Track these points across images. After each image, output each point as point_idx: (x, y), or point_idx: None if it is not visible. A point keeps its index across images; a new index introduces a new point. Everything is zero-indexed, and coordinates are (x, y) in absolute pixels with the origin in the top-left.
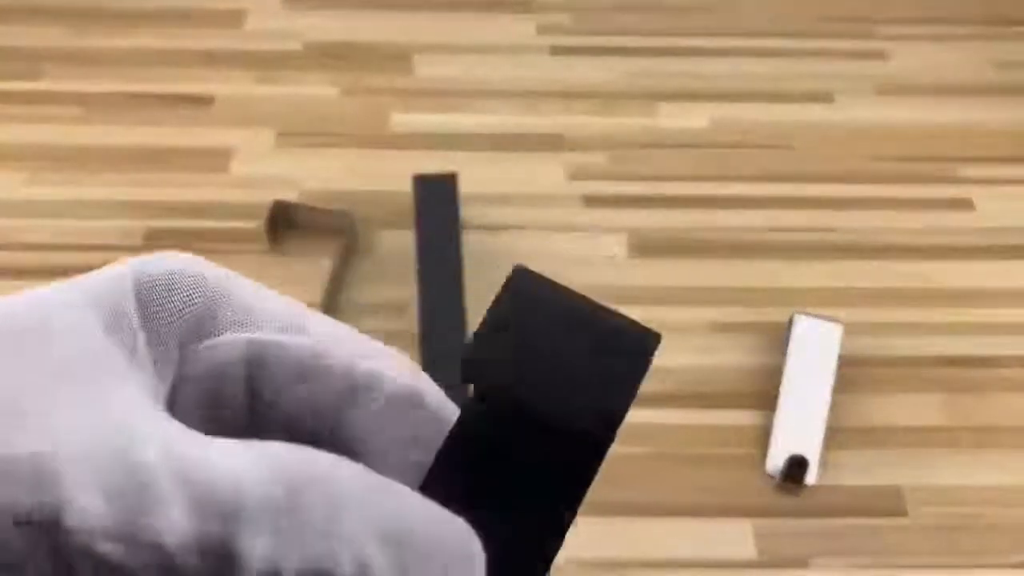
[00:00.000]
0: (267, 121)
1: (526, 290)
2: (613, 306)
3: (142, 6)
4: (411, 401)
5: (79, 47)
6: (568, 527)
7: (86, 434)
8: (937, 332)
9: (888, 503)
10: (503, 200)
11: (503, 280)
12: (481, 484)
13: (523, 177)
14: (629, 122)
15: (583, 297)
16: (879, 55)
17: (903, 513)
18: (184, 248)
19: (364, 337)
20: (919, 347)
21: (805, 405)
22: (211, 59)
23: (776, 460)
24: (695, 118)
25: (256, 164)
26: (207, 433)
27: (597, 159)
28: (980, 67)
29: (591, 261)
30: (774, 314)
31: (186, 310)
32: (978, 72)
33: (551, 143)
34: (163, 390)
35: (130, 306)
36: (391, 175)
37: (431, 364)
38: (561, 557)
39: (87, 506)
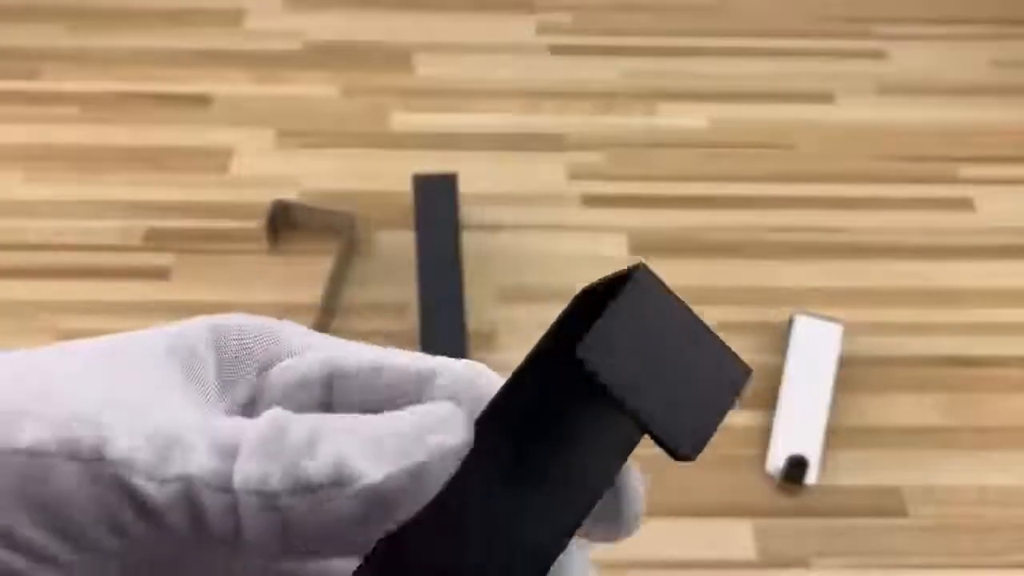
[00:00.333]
0: (267, 121)
1: (648, 291)
2: None
3: (142, 6)
4: (476, 371)
5: (78, 46)
6: (590, 511)
7: (134, 397)
8: (937, 332)
9: (888, 503)
10: (503, 200)
11: (503, 280)
12: (536, 440)
13: (523, 177)
14: (629, 122)
15: (695, 315)
16: (879, 55)
17: (903, 513)
18: (184, 248)
19: (421, 355)
20: (919, 347)
21: (805, 405)
22: (211, 59)
23: (776, 460)
24: (695, 118)
25: (256, 164)
26: None
27: (597, 159)
28: (980, 67)
29: (591, 261)
30: (774, 314)
31: (256, 346)
32: (978, 72)
33: (551, 143)
34: (222, 408)
35: (202, 344)
36: (391, 175)
37: None
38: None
39: (128, 446)
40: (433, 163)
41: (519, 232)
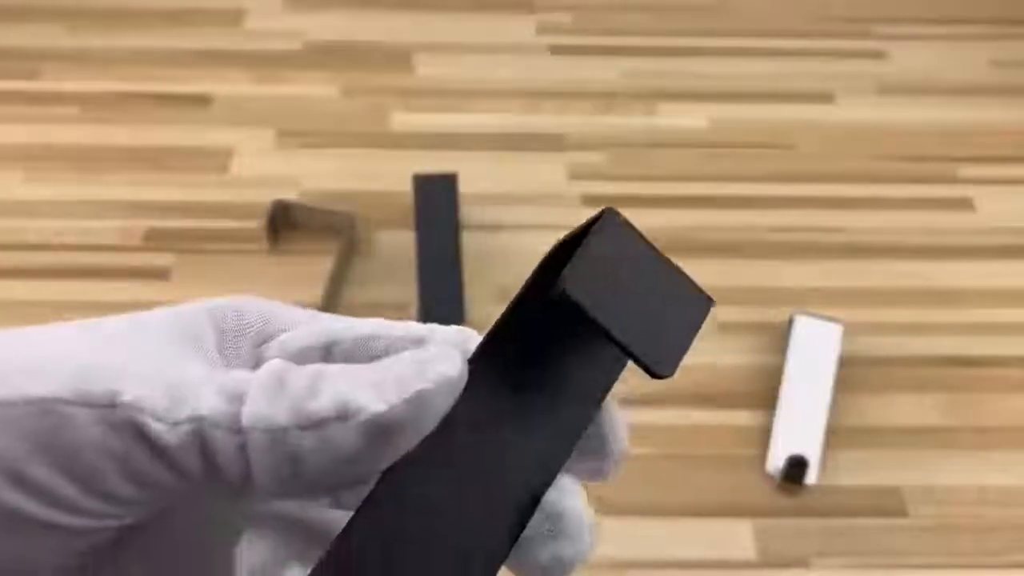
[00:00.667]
0: (267, 121)
1: (617, 231)
2: None
3: (142, 6)
4: (465, 335)
5: (77, 46)
6: (575, 444)
7: (149, 362)
8: (937, 332)
9: (888, 503)
10: (503, 200)
11: (503, 280)
12: (523, 378)
13: (523, 177)
14: (629, 122)
15: (660, 253)
16: (879, 55)
17: (903, 513)
18: (184, 248)
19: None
20: (919, 347)
21: (805, 405)
22: (211, 59)
23: (776, 460)
24: (695, 118)
25: (256, 164)
26: None
27: (597, 159)
28: (980, 67)
29: None
30: (774, 314)
31: (255, 322)
32: (978, 72)
33: (551, 143)
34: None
35: (206, 326)
36: (391, 175)
37: None
38: None
39: (141, 392)
40: (433, 163)
41: (519, 232)
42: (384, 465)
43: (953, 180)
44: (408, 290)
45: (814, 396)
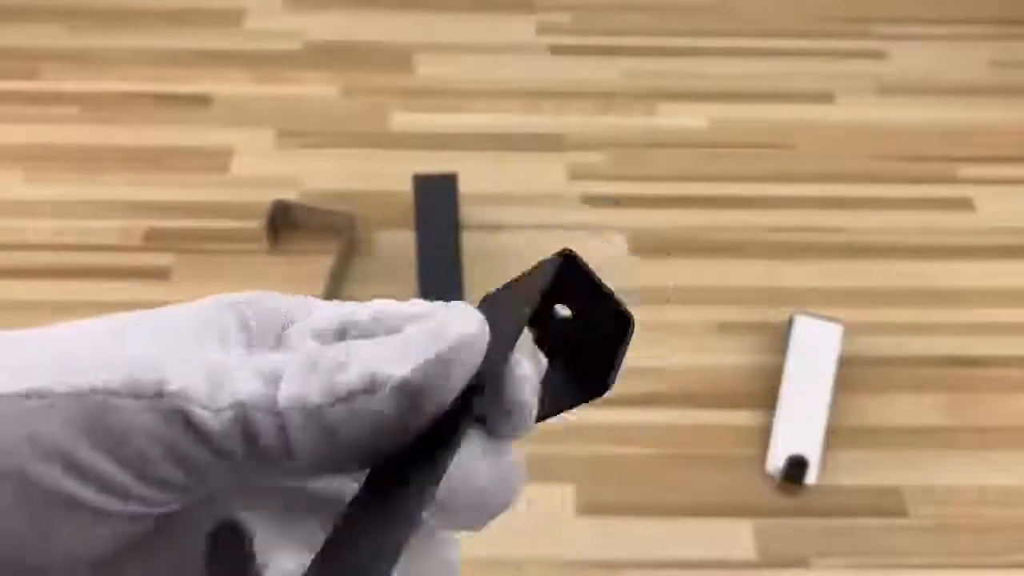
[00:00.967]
0: (267, 121)
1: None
2: None
3: (142, 6)
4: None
5: (78, 47)
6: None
7: (188, 352)
8: (937, 332)
9: (888, 503)
10: (503, 200)
11: (503, 280)
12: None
13: (523, 177)
14: (629, 122)
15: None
16: (879, 55)
17: (903, 513)
18: (184, 248)
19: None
20: (919, 347)
21: (805, 405)
22: (211, 59)
23: (776, 460)
24: (695, 118)
25: (256, 164)
26: None
27: (597, 159)
28: (980, 67)
29: (591, 261)
30: (774, 314)
31: (275, 315)
32: (978, 72)
33: (551, 143)
34: None
35: (229, 318)
36: (391, 175)
37: None
38: (561, 556)
39: (186, 382)
40: (433, 163)
41: (519, 232)
42: (415, 431)
43: (953, 180)
44: (408, 290)
45: (814, 396)
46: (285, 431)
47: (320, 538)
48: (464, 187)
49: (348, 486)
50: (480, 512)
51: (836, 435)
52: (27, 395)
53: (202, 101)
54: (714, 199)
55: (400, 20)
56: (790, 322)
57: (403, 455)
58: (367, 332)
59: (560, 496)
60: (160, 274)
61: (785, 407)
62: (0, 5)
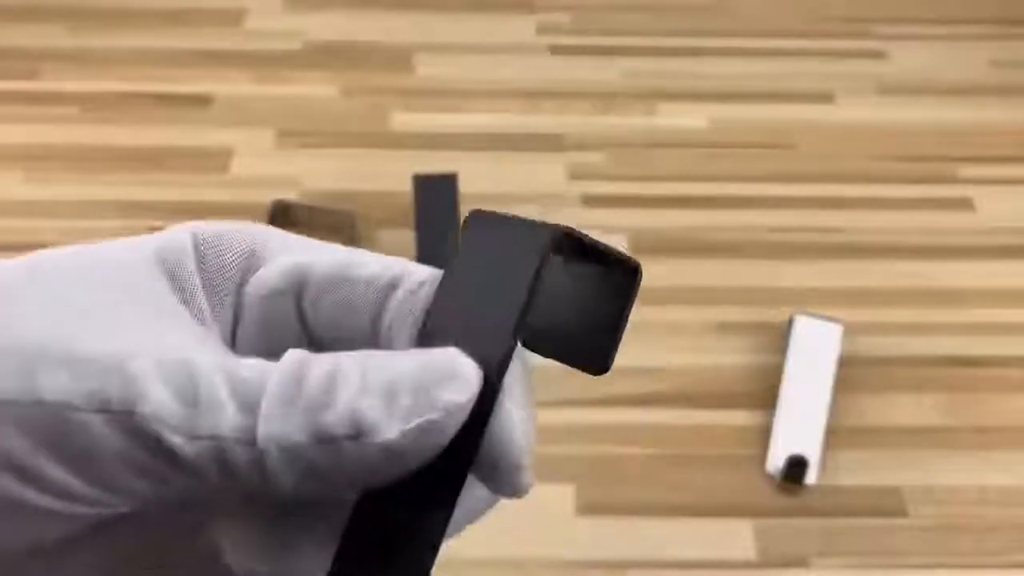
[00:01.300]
0: (267, 121)
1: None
2: None
3: (142, 6)
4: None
5: (78, 47)
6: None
7: (151, 342)
8: (937, 332)
9: (888, 503)
10: (503, 200)
11: None
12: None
13: (523, 177)
14: (629, 122)
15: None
16: (879, 55)
17: (903, 513)
18: None
19: (397, 259)
20: (919, 347)
21: (805, 405)
22: (211, 59)
23: (776, 460)
24: (695, 118)
25: (256, 164)
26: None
27: (597, 159)
28: (980, 67)
29: None
30: (774, 314)
31: (238, 260)
32: (978, 72)
33: (551, 143)
34: (217, 330)
35: (190, 261)
36: (391, 175)
37: None
38: (561, 556)
39: (159, 401)
40: (433, 163)
41: None
42: (394, 479)
43: (953, 180)
44: None
45: (814, 396)
46: (263, 464)
47: (326, 534)
48: (464, 187)
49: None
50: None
51: (836, 435)
52: None
53: (202, 101)
54: (714, 199)
55: (400, 20)
56: (790, 322)
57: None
58: (322, 291)
59: (560, 496)
60: None
61: (785, 407)
62: (0, 5)
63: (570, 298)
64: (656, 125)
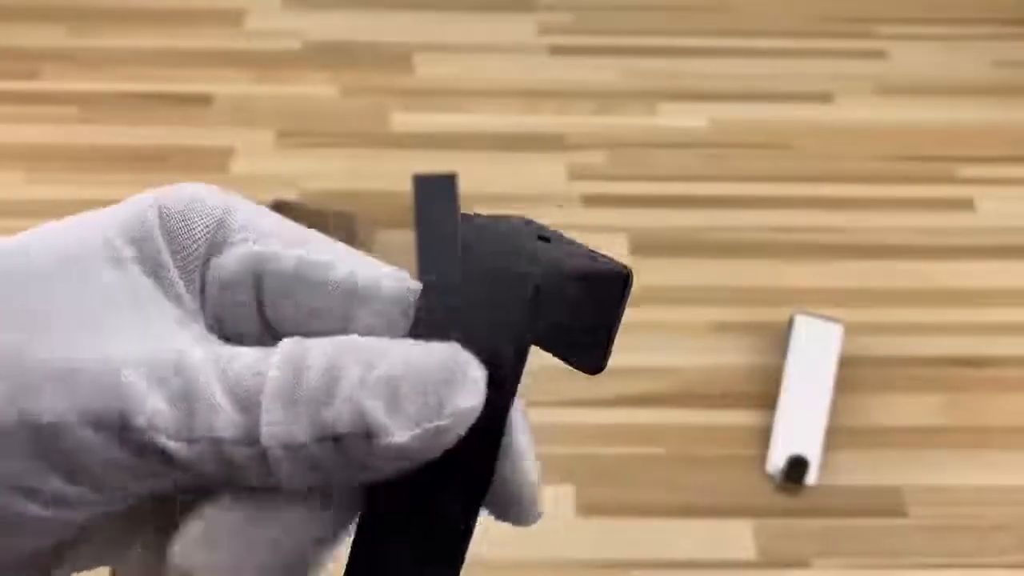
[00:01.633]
0: (267, 121)
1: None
2: None
3: (142, 6)
4: (410, 302)
5: (78, 47)
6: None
7: (139, 347)
8: (937, 332)
9: (888, 503)
10: (503, 200)
11: None
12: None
13: (523, 177)
14: (629, 122)
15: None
16: (879, 55)
17: (903, 513)
18: None
19: (362, 254)
20: (919, 347)
21: (805, 405)
22: (211, 59)
23: (776, 460)
24: (695, 118)
25: (256, 164)
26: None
27: (597, 159)
28: (980, 67)
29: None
30: (774, 314)
31: (205, 233)
32: (978, 72)
33: (551, 143)
34: (196, 308)
35: (158, 237)
36: (391, 175)
37: None
38: (561, 556)
39: (154, 410)
40: (433, 163)
41: None
42: (403, 470)
43: (953, 180)
44: None
45: (814, 396)
46: (266, 461)
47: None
48: (464, 187)
49: None
50: None
51: (836, 435)
52: None
53: (202, 101)
54: (714, 199)
55: (400, 20)
56: (790, 322)
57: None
58: (281, 294)
59: (560, 496)
60: None
61: (785, 407)
62: (0, 5)
63: (563, 299)
64: (656, 125)
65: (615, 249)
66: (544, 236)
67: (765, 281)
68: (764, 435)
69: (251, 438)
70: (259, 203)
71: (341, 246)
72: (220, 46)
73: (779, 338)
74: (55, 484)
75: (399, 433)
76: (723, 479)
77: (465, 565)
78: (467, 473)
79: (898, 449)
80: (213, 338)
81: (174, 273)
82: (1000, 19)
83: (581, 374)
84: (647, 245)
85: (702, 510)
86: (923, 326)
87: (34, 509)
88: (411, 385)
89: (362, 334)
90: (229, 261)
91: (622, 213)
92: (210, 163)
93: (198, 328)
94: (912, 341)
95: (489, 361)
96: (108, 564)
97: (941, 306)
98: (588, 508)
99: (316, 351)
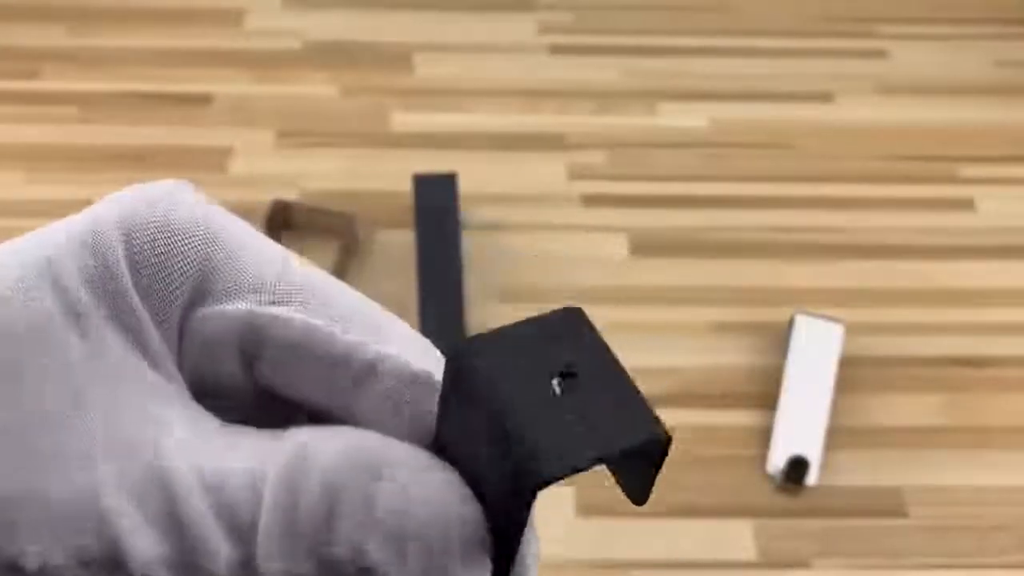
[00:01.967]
0: (267, 121)
1: None
2: (613, 306)
3: (142, 6)
4: (423, 383)
5: (78, 46)
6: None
7: (117, 461)
8: (937, 332)
9: (888, 503)
10: (503, 200)
11: (503, 280)
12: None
13: (523, 177)
14: (629, 122)
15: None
16: (879, 55)
17: (903, 513)
18: None
19: (372, 307)
20: (919, 347)
21: (805, 405)
22: (211, 59)
23: (777, 460)
24: (695, 118)
25: (256, 164)
26: (211, 409)
27: (597, 159)
28: (980, 67)
29: (591, 261)
30: (774, 314)
31: (183, 275)
32: (978, 72)
33: (551, 143)
34: (170, 360)
35: (124, 275)
36: (391, 175)
37: None
38: (561, 556)
39: (145, 543)
40: (433, 163)
41: (519, 232)
42: None
43: (953, 180)
44: (408, 290)
45: (814, 396)
46: None
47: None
48: (464, 187)
49: None
50: None
51: (836, 435)
52: None
53: (202, 101)
54: (714, 199)
55: (400, 20)
56: (790, 322)
57: None
58: (279, 360)
59: (560, 496)
60: None
61: (785, 407)
62: (1, 5)
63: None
64: (656, 125)
65: (615, 249)
66: (570, 371)
67: (765, 281)
68: (764, 435)
69: (250, 565)
70: (259, 203)
71: (349, 298)
72: (220, 46)
73: (779, 338)
74: None
75: (398, 571)
76: (723, 479)
77: None
78: None
79: (898, 449)
80: (193, 404)
81: (145, 318)
82: (1002, 19)
83: None
84: (647, 245)
85: (702, 510)
86: (923, 326)
87: None
88: (416, 533)
89: (366, 416)
90: (217, 318)
91: (622, 213)
92: (210, 163)
93: (175, 389)
94: (912, 341)
95: (503, 511)
96: None
97: (941, 306)
98: (588, 508)
99: (314, 472)
